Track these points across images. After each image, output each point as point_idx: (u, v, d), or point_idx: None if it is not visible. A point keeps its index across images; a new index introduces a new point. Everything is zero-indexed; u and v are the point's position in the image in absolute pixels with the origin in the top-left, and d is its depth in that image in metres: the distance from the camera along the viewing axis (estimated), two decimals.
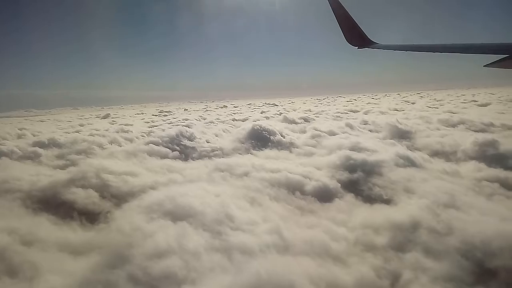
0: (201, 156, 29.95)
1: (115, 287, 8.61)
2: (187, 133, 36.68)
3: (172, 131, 36.80)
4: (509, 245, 9.88)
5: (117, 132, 43.04)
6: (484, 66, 5.30)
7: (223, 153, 30.23)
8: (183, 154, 31.00)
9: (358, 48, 8.15)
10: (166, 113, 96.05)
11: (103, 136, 39.99)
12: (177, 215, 12.62)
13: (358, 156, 22.64)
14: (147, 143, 33.13)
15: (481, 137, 24.55)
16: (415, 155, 21.99)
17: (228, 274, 9.08)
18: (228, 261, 9.86)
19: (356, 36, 8.10)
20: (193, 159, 29.00)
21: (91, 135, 41.76)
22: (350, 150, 24.25)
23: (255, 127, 35.10)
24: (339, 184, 19.20)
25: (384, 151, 23.48)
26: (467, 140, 24.69)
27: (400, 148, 23.99)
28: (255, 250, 10.62)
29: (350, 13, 7.93)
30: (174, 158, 29.46)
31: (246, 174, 20.38)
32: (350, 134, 36.17)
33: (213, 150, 31.78)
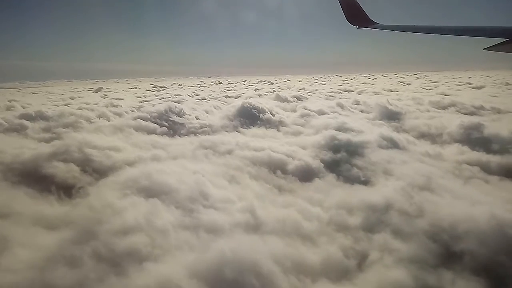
0: (189, 133, 29.72)
1: (79, 263, 8.60)
2: (176, 109, 36.28)
3: (161, 107, 36.39)
4: (474, 228, 9.95)
5: (106, 106, 42.54)
6: (484, 49, 5.33)
7: (212, 130, 30.07)
8: (171, 130, 30.81)
9: (358, 27, 8.13)
10: (159, 88, 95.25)
11: (92, 110, 39.60)
12: (151, 192, 12.57)
13: (343, 136, 22.61)
14: (135, 118, 32.82)
15: (467, 120, 24.55)
16: (399, 137, 21.98)
17: (193, 252, 9.10)
18: (196, 239, 9.89)
19: (356, 16, 8.11)
20: (180, 135, 28.90)
21: (79, 108, 41.32)
22: (336, 130, 24.20)
23: (245, 105, 34.85)
24: (322, 164, 19.17)
25: (369, 132, 23.43)
26: (453, 123, 24.62)
27: (385, 130, 23.92)
28: (225, 229, 10.65)
29: None
30: (162, 134, 29.31)
31: (229, 152, 20.35)
32: (340, 114, 36.08)
33: (201, 127, 31.59)
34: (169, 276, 7.71)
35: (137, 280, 7.65)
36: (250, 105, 34.91)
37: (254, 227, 11.24)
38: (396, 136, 22.02)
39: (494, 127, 23.42)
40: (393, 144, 20.56)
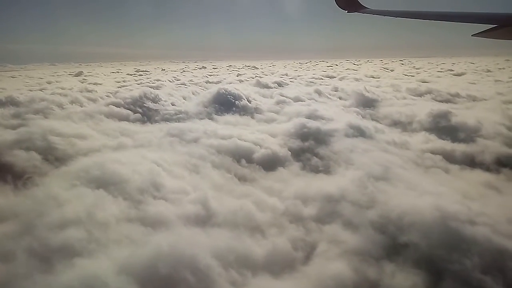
0: (163, 119, 29.33)
1: (10, 258, 8.33)
2: (152, 95, 35.68)
3: (136, 93, 35.78)
4: (419, 220, 9.95)
5: (81, 91, 41.52)
6: (472, 35, 5.24)
7: (188, 117, 29.68)
8: (144, 117, 30.37)
9: (347, 11, 7.96)
10: (142, 73, 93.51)
11: (65, 95, 38.56)
12: (100, 182, 12.24)
13: (312, 124, 22.49)
14: (108, 105, 32.23)
15: (436, 108, 24.61)
16: (366, 125, 21.95)
17: (131, 246, 8.89)
18: (137, 232, 9.67)
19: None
20: (154, 122, 28.54)
21: (53, 93, 40.31)
22: (306, 118, 24.05)
23: (220, 91, 34.38)
24: (290, 153, 19.07)
25: (339, 120, 23.34)
26: (423, 111, 24.68)
27: (353, 118, 23.92)
28: (171, 221, 10.46)
29: None
30: (135, 120, 28.90)
31: (195, 140, 20.08)
32: (316, 101, 36.01)
33: (176, 114, 31.17)
34: (96, 272, 7.50)
35: (61, 277, 7.42)
36: (226, 91, 34.46)
37: (204, 219, 11.08)
38: (363, 124, 21.99)
39: (464, 115, 23.62)
40: (360, 133, 20.54)
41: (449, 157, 17.43)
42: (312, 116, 24.68)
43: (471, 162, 17.00)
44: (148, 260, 8.09)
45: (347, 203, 12.03)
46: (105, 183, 12.25)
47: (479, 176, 15.08)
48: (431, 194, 11.61)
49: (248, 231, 10.76)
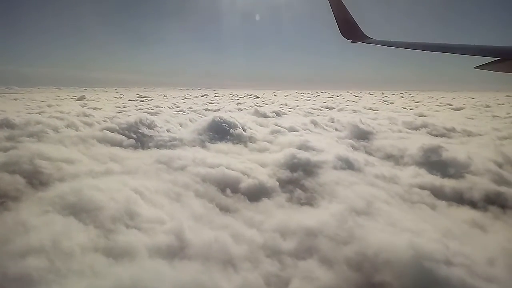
0: (157, 146, 29.22)
1: None
2: (147, 121, 35.81)
3: (132, 118, 35.95)
4: (394, 258, 9.63)
5: (78, 115, 41.80)
6: (474, 67, 5.34)
7: (181, 144, 29.61)
8: (138, 143, 30.26)
9: (352, 41, 8.15)
10: (143, 99, 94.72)
11: (62, 119, 38.79)
12: (74, 209, 12.02)
13: (303, 155, 22.35)
14: (102, 129, 32.33)
15: (428, 142, 24.48)
16: (356, 158, 21.75)
17: (91, 278, 8.57)
18: (101, 263, 9.36)
19: (350, 30, 8.12)
20: (147, 148, 28.42)
21: (50, 117, 40.59)
22: (297, 149, 23.94)
23: (215, 119, 34.46)
24: (277, 183, 18.86)
25: (330, 151, 23.19)
26: (415, 145, 24.54)
27: (343, 150, 23.72)
28: (140, 252, 10.14)
29: (346, 6, 7.99)
30: (128, 146, 28.78)
31: (183, 168, 19.90)
32: (311, 131, 36.05)
33: (170, 140, 31.10)
34: None
35: None
36: (221, 119, 34.51)
37: (175, 250, 10.75)
38: (353, 157, 21.79)
39: (456, 150, 23.41)
40: (348, 165, 20.33)
41: (437, 193, 17.13)
42: (303, 147, 24.57)
43: (459, 199, 16.68)
44: None
45: (325, 238, 11.73)
46: (78, 210, 12.03)
47: (465, 213, 14.75)
48: (411, 231, 11.30)
49: (220, 265, 10.43)
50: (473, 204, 16.03)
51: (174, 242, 11.17)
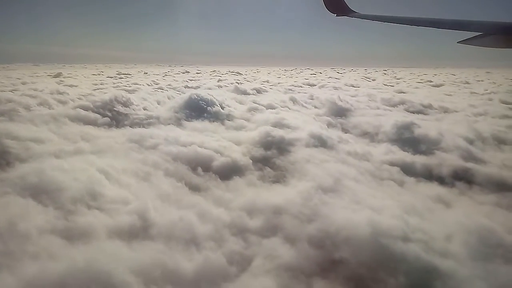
0: (132, 124, 28.72)
1: None
2: (123, 99, 35.08)
3: (107, 96, 35.12)
4: (354, 235, 9.71)
5: (51, 93, 40.58)
6: (457, 42, 5.40)
7: (157, 122, 29.16)
8: (113, 121, 29.70)
9: (336, 15, 8.11)
10: (123, 76, 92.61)
11: (35, 97, 37.65)
12: (35, 190, 11.71)
13: (277, 133, 22.26)
14: (75, 108, 31.53)
15: (402, 119, 24.65)
16: (329, 135, 21.74)
17: (45, 261, 8.40)
18: (58, 245, 9.18)
19: (336, 3, 8.09)
20: (123, 126, 27.85)
21: (23, 95, 39.35)
22: (272, 126, 23.83)
23: (192, 97, 33.96)
24: (251, 161, 18.78)
25: (305, 129, 23.13)
26: (391, 121, 24.68)
27: (317, 127, 23.66)
28: (99, 233, 9.99)
29: None
30: (102, 124, 28.20)
31: (154, 146, 19.59)
32: (289, 108, 35.92)
33: (146, 118, 30.65)
34: None
35: None
36: (198, 97, 34.04)
37: (137, 231, 10.62)
38: (326, 134, 21.76)
39: (429, 127, 23.64)
40: (321, 143, 20.33)
41: (407, 169, 17.30)
42: (278, 125, 24.48)
43: (428, 175, 16.89)
44: (58, 277, 7.62)
45: (290, 216, 11.75)
46: (39, 191, 11.72)
47: (432, 189, 14.95)
48: (373, 208, 11.38)
49: (183, 244, 10.37)
50: (441, 180, 16.26)
51: (137, 222, 11.02)
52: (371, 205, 11.75)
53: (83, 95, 41.62)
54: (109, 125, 28.13)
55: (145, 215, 11.40)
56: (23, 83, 59.17)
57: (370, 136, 24.85)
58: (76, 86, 55.88)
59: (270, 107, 34.84)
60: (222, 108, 33.49)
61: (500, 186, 15.03)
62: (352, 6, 8.14)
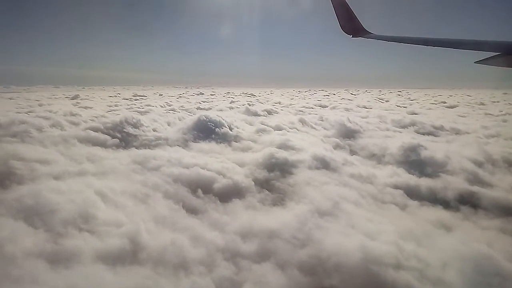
0: (141, 145, 29.05)
1: None
2: (133, 120, 35.61)
3: (117, 118, 35.75)
4: (345, 262, 9.38)
5: (65, 115, 41.53)
6: (475, 62, 5.37)
7: (166, 143, 29.36)
8: (123, 142, 30.10)
9: (352, 36, 8.24)
10: (138, 97, 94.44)
11: (48, 118, 38.50)
12: (28, 212, 11.79)
13: (281, 154, 22.10)
14: (85, 129, 32.11)
15: (409, 141, 24.21)
16: (333, 157, 21.46)
17: (26, 284, 8.32)
18: (42, 269, 9.10)
19: (351, 24, 8.20)
20: (131, 147, 28.14)
21: (37, 116, 40.30)
22: (277, 148, 23.70)
23: (201, 118, 34.22)
24: (253, 183, 18.62)
25: (309, 150, 22.90)
26: (396, 143, 24.28)
27: (321, 149, 23.37)
28: (86, 257, 9.89)
29: (347, 1, 8.13)
30: (111, 146, 28.57)
31: (156, 168, 19.63)
32: (298, 130, 35.77)
33: (156, 140, 30.93)
34: None
35: None
36: (207, 118, 34.27)
37: (126, 255, 10.49)
38: (330, 156, 21.48)
39: (436, 149, 23.15)
40: (324, 165, 20.07)
41: (411, 193, 16.87)
42: (283, 146, 24.36)
43: (432, 198, 16.42)
44: None
45: (284, 241, 11.47)
46: (32, 213, 11.77)
47: (435, 213, 14.50)
48: (369, 233, 11.04)
49: (171, 269, 10.19)
50: (445, 204, 15.78)
51: (127, 246, 10.90)
52: (366, 230, 11.42)
53: (95, 117, 42.34)
54: (118, 146, 28.47)
55: (136, 239, 11.29)
56: (40, 105, 60.80)
57: (377, 158, 24.43)
58: (91, 107, 57.06)
59: (278, 128, 34.77)
60: (231, 129, 33.62)
61: (506, 211, 14.48)
62: (367, 27, 8.30)
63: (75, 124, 37.89)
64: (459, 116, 51.66)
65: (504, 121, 44.08)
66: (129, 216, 13.13)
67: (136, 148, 27.53)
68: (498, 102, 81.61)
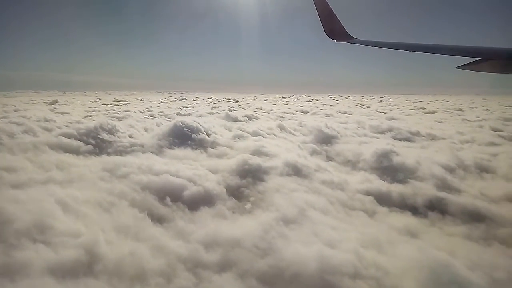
0: (115, 152, 28.53)
1: None
2: (108, 126, 34.94)
3: (91, 123, 35.03)
4: (302, 272, 9.20)
5: (38, 121, 40.59)
6: (456, 67, 5.50)
7: (140, 150, 28.83)
8: (96, 149, 29.43)
9: (336, 41, 8.28)
10: (119, 103, 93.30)
11: (21, 124, 37.51)
12: None
13: (254, 161, 21.90)
14: (58, 135, 31.36)
15: (382, 147, 24.33)
16: (306, 163, 21.35)
17: None
18: None
19: (335, 30, 8.30)
20: (105, 154, 27.58)
21: (10, 122, 39.26)
22: (251, 154, 23.52)
23: (177, 124, 33.83)
24: (225, 190, 18.35)
25: (282, 157, 22.77)
26: (370, 149, 24.37)
27: (294, 155, 23.24)
28: (36, 270, 9.48)
29: (331, 6, 8.11)
30: (84, 152, 27.89)
31: (125, 175, 19.20)
32: (275, 136, 35.68)
33: (130, 146, 30.37)
34: None
35: None
36: (183, 124, 33.87)
37: (81, 267, 10.10)
38: (302, 162, 21.36)
39: (408, 154, 23.32)
40: (295, 171, 19.95)
41: (381, 199, 16.84)
42: (257, 152, 24.19)
43: (402, 205, 16.44)
44: None
45: (246, 250, 11.24)
46: None
47: (402, 220, 14.47)
48: (330, 241, 10.91)
49: (127, 282, 9.86)
50: (414, 210, 15.80)
51: (83, 257, 10.51)
52: (328, 238, 11.29)
53: (70, 123, 41.47)
54: (91, 153, 27.85)
55: (93, 249, 10.90)
56: (16, 110, 59.40)
57: (351, 164, 24.47)
58: (67, 113, 56.06)
59: (256, 134, 34.58)
60: (208, 135, 33.32)
61: (473, 216, 14.56)
62: (351, 32, 8.38)
63: (49, 130, 36.96)
64: (436, 121, 52.44)
65: (480, 126, 44.90)
66: (89, 225, 12.70)
67: (110, 154, 27.06)
68: (476, 108, 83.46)
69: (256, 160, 22.03)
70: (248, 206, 16.16)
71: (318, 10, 8.15)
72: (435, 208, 15.74)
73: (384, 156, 22.40)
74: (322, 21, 8.25)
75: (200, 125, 34.77)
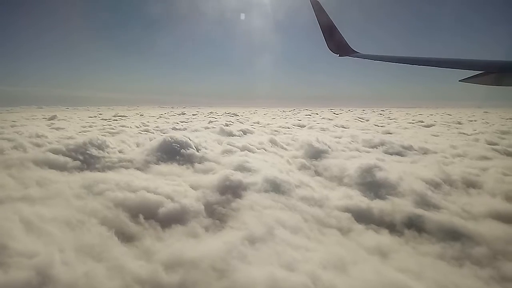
0: (104, 168, 28.29)
1: None
2: (98, 141, 34.79)
3: (81, 139, 34.95)
4: None
5: (29, 137, 40.57)
6: (459, 80, 5.50)
7: (132, 165, 28.63)
8: (84, 164, 29.22)
9: (339, 56, 8.42)
10: (118, 118, 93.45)
11: (12, 140, 37.53)
12: None
13: (236, 177, 21.56)
14: (45, 151, 31.22)
15: (365, 162, 23.96)
16: (286, 179, 20.97)
17: None
18: None
19: (337, 44, 8.39)
20: (93, 170, 27.34)
21: (2, 138, 39.33)
22: (234, 170, 23.21)
23: (166, 139, 33.66)
24: (203, 207, 17.99)
25: (264, 172, 22.42)
26: (355, 165, 24.00)
27: (273, 171, 22.86)
28: None
29: (333, 21, 8.25)
30: (71, 168, 27.67)
31: (101, 192, 18.92)
32: (265, 150, 35.31)
33: (119, 161, 30.17)
34: None
35: None
36: (172, 139, 33.69)
37: None
38: (282, 178, 20.98)
39: (393, 170, 22.91)
40: (274, 188, 19.58)
41: (360, 216, 16.45)
42: (240, 168, 23.86)
43: (380, 222, 16.02)
44: None
45: (205, 272, 10.86)
46: None
47: (377, 238, 14.07)
48: (289, 261, 10.52)
49: None
50: (392, 228, 15.38)
51: (34, 279, 10.17)
52: (288, 258, 10.90)
53: (62, 138, 41.37)
54: (78, 169, 27.60)
55: (45, 271, 10.55)
56: (12, 126, 59.43)
57: (338, 179, 24.08)
58: (63, 128, 56.05)
59: (245, 149, 34.28)
60: (198, 150, 33.05)
61: (449, 235, 14.11)
62: (354, 47, 8.43)
63: (39, 146, 36.90)
64: (432, 135, 51.98)
65: (476, 140, 44.43)
66: (49, 245, 12.38)
67: (97, 170, 26.81)
68: (475, 121, 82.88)
69: (237, 176, 21.69)
70: (221, 224, 15.74)
71: (321, 25, 8.28)
72: (412, 226, 15.30)
73: (368, 171, 22.02)
74: (325, 36, 8.39)
75: (190, 140, 34.56)
